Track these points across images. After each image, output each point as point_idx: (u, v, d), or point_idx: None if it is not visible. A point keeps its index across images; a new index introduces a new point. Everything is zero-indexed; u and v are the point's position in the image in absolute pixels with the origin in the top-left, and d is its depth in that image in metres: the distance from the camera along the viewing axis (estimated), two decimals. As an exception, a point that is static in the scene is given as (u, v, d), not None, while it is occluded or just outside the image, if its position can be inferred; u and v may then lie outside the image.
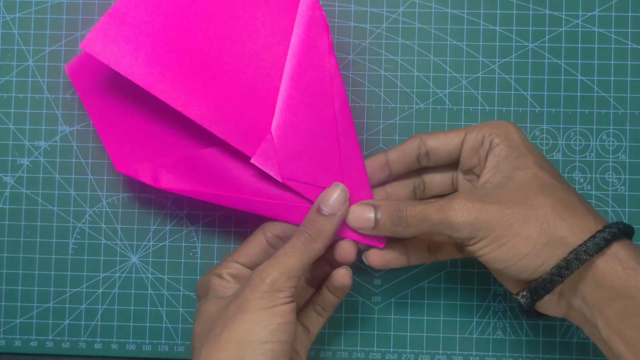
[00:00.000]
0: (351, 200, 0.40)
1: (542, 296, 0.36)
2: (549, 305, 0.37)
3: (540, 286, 0.35)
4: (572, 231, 0.35)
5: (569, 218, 0.35)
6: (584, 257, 0.34)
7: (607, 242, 0.34)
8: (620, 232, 0.35)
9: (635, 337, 0.34)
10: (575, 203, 0.36)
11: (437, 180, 0.43)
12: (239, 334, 0.36)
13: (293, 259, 0.38)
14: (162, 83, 0.40)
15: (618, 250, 0.35)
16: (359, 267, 0.47)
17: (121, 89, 0.42)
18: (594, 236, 0.34)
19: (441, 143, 0.40)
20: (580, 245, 0.34)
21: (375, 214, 0.39)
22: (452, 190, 0.43)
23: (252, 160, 0.41)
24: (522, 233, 0.35)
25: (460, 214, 0.36)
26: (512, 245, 0.35)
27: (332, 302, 0.42)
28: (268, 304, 0.36)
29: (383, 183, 0.42)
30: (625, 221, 0.45)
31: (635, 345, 0.34)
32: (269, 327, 0.36)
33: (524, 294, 0.37)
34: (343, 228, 0.41)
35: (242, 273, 0.42)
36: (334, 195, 0.39)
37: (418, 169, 0.42)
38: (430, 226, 0.37)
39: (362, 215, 0.40)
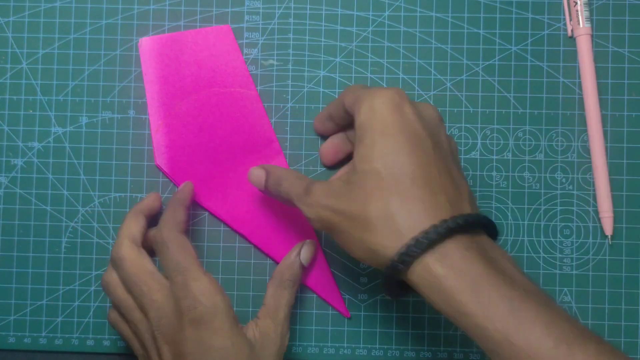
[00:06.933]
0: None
1: (393, 291, 0.36)
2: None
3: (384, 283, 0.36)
4: (384, 245, 0.34)
5: (383, 233, 0.34)
6: (402, 268, 0.34)
7: (413, 258, 0.33)
8: (430, 243, 0.33)
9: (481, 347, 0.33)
10: (394, 209, 0.34)
11: None
12: None
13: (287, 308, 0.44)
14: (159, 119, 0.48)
15: (430, 265, 0.33)
16: (345, 265, 0.48)
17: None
18: (405, 251, 0.33)
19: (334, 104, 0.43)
20: (392, 260, 0.34)
21: (265, 179, 0.42)
22: None
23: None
24: (350, 239, 0.36)
25: (309, 210, 0.38)
26: (347, 247, 0.37)
27: None
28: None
29: (334, 131, 0.46)
30: (612, 223, 0.47)
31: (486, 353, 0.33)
32: None
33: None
34: (314, 282, 0.47)
35: None
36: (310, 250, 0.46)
37: None
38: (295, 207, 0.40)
39: (257, 176, 0.42)
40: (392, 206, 0.34)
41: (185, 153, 0.47)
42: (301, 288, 0.47)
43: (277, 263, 0.47)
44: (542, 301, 0.33)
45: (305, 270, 0.45)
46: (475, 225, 0.35)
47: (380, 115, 0.36)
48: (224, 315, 0.39)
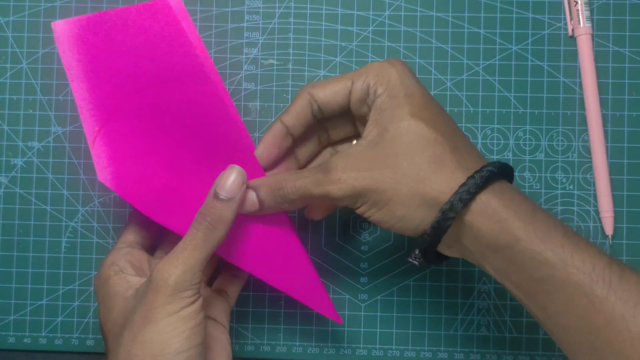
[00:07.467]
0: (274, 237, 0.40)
1: (430, 254, 0.36)
2: (446, 251, 0.37)
3: (424, 246, 0.36)
4: (441, 190, 0.35)
5: (437, 176, 0.35)
6: (452, 215, 0.34)
7: (472, 195, 0.34)
8: (487, 179, 0.34)
9: (522, 282, 0.34)
10: (444, 155, 0.35)
11: (338, 126, 0.41)
12: (152, 348, 0.34)
13: (195, 252, 0.36)
14: (87, 113, 0.39)
15: (487, 200, 0.34)
16: (345, 265, 0.47)
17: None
18: (457, 192, 0.34)
19: (329, 96, 0.38)
20: (445, 203, 0.34)
21: (258, 196, 0.38)
22: (355, 133, 0.41)
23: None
24: (395, 198, 0.35)
25: (339, 187, 0.36)
26: (389, 209, 0.35)
27: None
28: (176, 308, 0.35)
29: (289, 149, 0.40)
30: (613, 222, 0.46)
31: (524, 288, 0.35)
32: (182, 335, 0.35)
33: (416, 253, 0.37)
34: (294, 287, 0.41)
35: (138, 257, 0.41)
36: (231, 178, 0.37)
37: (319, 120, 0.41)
38: (313, 200, 0.37)
39: (246, 200, 0.38)
40: (444, 154, 0.35)
41: (134, 164, 0.39)
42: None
43: (259, 279, 0.41)
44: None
45: (288, 274, 0.41)
46: (502, 171, 0.36)
47: (406, 79, 0.37)
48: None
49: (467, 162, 0.35)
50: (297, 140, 0.40)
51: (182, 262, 0.36)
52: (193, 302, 0.36)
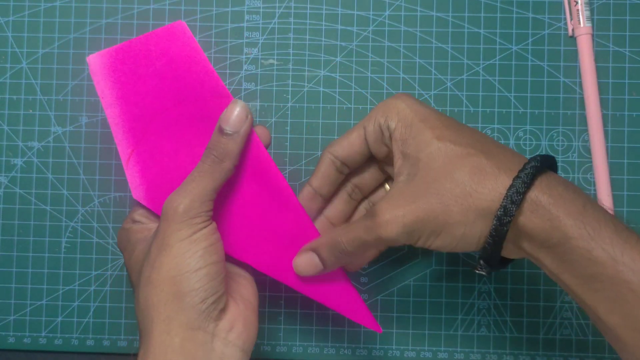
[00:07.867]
0: (300, 242, 0.41)
1: (495, 262, 0.36)
2: (509, 254, 0.37)
3: (487, 256, 0.36)
4: (491, 198, 0.34)
5: (483, 185, 0.35)
6: (507, 220, 0.34)
7: (522, 195, 0.34)
8: (533, 175, 0.34)
9: (573, 280, 0.34)
10: (482, 164, 0.35)
11: (366, 177, 0.42)
12: (169, 271, 0.36)
13: (202, 183, 0.38)
14: (120, 136, 0.42)
15: (536, 198, 0.34)
16: (345, 265, 0.48)
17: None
18: (506, 195, 0.34)
19: (347, 148, 0.40)
20: (498, 209, 0.34)
21: (319, 256, 0.39)
22: (385, 177, 0.42)
23: None
24: (449, 220, 0.35)
25: (389, 229, 0.36)
26: (447, 233, 0.35)
27: None
28: (188, 233, 0.36)
29: (321, 209, 0.42)
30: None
31: (575, 286, 0.34)
32: (196, 255, 0.36)
33: (482, 263, 0.37)
34: (345, 308, 0.41)
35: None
36: (235, 112, 0.39)
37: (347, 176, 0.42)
38: (370, 246, 0.38)
39: (309, 263, 0.40)
40: (481, 163, 0.35)
41: (164, 181, 0.41)
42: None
43: (274, 278, 0.42)
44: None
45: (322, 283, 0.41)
46: (552, 161, 0.37)
47: (414, 107, 0.38)
48: None
49: (506, 163, 0.35)
50: (327, 199, 0.42)
51: (190, 192, 0.37)
52: (204, 227, 0.37)
